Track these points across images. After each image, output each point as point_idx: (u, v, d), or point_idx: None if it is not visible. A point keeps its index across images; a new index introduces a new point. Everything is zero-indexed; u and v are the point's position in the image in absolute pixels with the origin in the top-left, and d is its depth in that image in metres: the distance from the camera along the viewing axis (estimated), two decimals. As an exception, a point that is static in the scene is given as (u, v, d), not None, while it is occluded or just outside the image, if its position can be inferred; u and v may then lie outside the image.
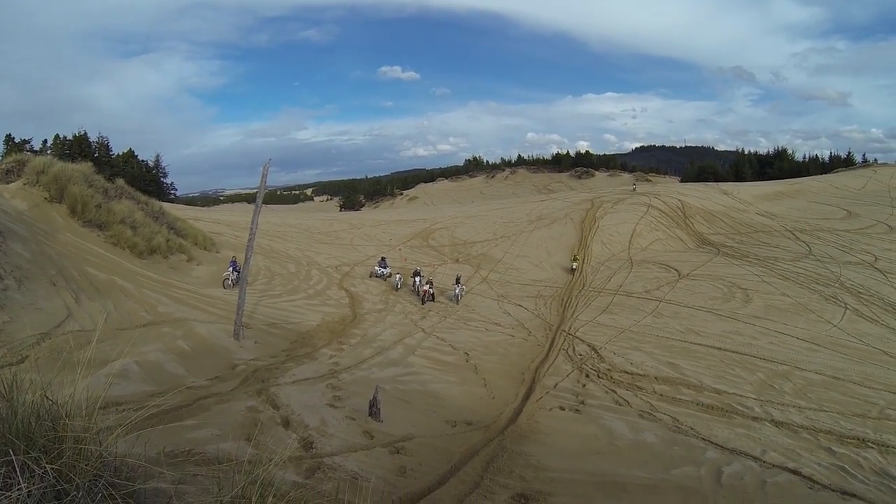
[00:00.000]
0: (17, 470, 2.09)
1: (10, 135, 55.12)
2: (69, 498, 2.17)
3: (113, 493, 2.29)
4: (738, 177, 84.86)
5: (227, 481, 3.05)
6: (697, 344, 16.24)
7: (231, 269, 18.56)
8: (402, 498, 6.62)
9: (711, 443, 9.73)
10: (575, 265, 30.04)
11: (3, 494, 2.03)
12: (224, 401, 8.82)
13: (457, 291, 22.25)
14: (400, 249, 32.73)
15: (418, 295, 21.82)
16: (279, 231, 33.66)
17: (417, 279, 22.70)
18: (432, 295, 21.64)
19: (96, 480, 2.28)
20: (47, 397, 2.59)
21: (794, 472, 8.70)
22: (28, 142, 54.84)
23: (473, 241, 36.50)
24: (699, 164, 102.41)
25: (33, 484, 2.10)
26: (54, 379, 2.69)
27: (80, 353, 8.97)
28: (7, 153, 32.34)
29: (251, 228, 13.58)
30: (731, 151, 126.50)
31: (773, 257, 30.49)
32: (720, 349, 15.68)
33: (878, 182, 55.00)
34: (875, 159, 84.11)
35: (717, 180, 75.23)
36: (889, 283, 23.79)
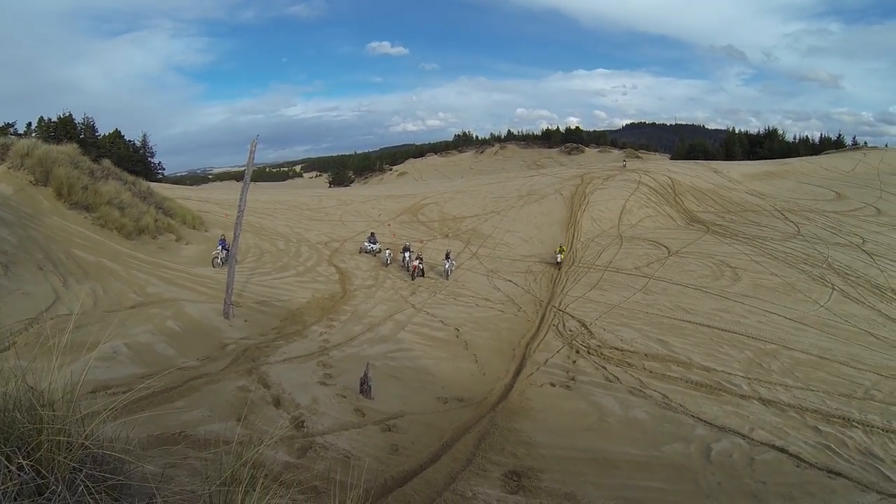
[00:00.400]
0: None
1: None
2: (48, 492, 2.06)
3: (95, 486, 2.17)
4: (729, 156, 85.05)
5: (218, 464, 2.96)
6: (687, 321, 16.36)
7: (220, 247, 18.33)
8: (395, 476, 6.61)
9: (700, 420, 9.83)
10: (560, 258, 26.07)
11: None
12: (214, 381, 8.81)
13: (447, 267, 22.18)
14: (389, 225, 32.52)
15: (408, 270, 21.72)
16: (268, 208, 33.24)
17: (407, 255, 22.57)
18: (422, 270, 21.56)
19: (76, 474, 2.15)
20: (27, 384, 2.44)
21: (782, 450, 8.82)
22: (12, 125, 53.63)
23: (463, 216, 36.35)
24: (689, 142, 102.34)
25: (10, 479, 1.98)
26: (41, 365, 2.52)
27: (68, 337, 8.88)
28: None
29: (239, 206, 13.43)
30: (721, 130, 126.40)
31: (762, 237, 30.70)
32: (709, 327, 15.80)
33: (868, 165, 55.47)
34: (865, 142, 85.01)
35: (707, 158, 75.49)
36: (876, 266, 24.07)
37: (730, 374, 12.26)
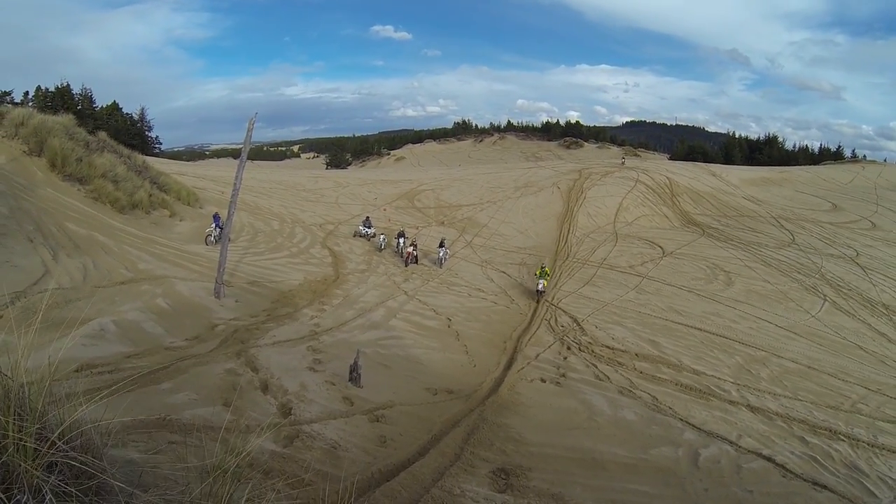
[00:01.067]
0: None
1: None
2: (14, 500, 1.90)
3: (66, 490, 2.01)
4: (728, 159, 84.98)
5: (203, 451, 2.84)
6: (678, 323, 16.38)
7: (214, 225, 18.08)
8: (382, 470, 6.50)
9: (689, 424, 9.84)
10: (542, 284, 19.07)
11: None
12: (202, 363, 8.66)
13: (441, 255, 22.04)
14: (385, 210, 32.28)
15: (402, 257, 21.55)
16: (264, 187, 32.87)
17: (401, 240, 22.42)
18: (416, 257, 21.41)
19: (45, 480, 1.98)
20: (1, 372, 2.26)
21: (769, 459, 8.85)
22: (9, 93, 52.51)
23: (459, 204, 36.16)
24: (689, 144, 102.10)
25: None
26: (24, 341, 2.33)
27: (56, 312, 8.64)
28: None
29: (235, 184, 13.23)
30: (721, 133, 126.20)
31: (757, 243, 30.79)
32: (700, 330, 15.84)
33: (866, 178, 55.64)
34: (864, 156, 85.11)
35: (706, 161, 75.30)
36: (868, 279, 24.20)
37: (719, 378, 12.29)
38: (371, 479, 6.29)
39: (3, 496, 1.89)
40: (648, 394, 11.00)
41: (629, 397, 10.83)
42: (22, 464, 1.94)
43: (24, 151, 15.95)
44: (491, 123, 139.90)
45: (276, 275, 16.09)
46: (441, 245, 22.69)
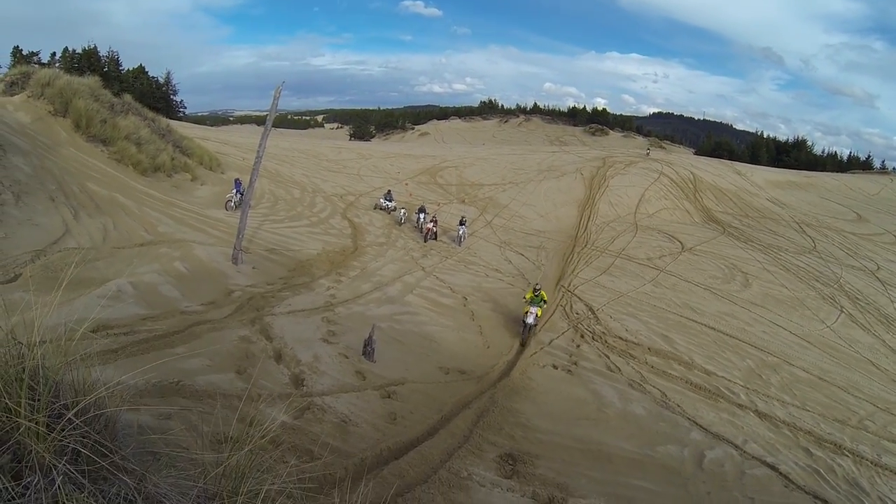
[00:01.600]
0: None
1: (17, 47, 53.06)
2: (25, 481, 1.84)
3: (79, 469, 1.95)
4: (754, 159, 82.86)
5: (216, 418, 2.80)
6: (692, 320, 16.17)
7: (235, 190, 17.92)
8: (392, 448, 6.51)
9: (696, 424, 9.77)
10: (533, 314, 12.98)
11: None
12: (217, 329, 8.61)
13: (460, 233, 21.92)
14: (407, 184, 32.07)
15: (421, 232, 21.47)
16: (287, 155, 32.70)
17: (422, 216, 22.29)
18: (435, 234, 21.32)
19: (57, 459, 1.92)
20: (14, 338, 2.18)
21: (772, 467, 8.76)
22: (36, 54, 52.63)
23: (481, 183, 35.84)
24: (716, 140, 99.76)
25: None
26: (43, 300, 2.26)
27: (75, 271, 8.61)
28: (14, 65, 30.91)
29: (258, 151, 13.06)
30: (749, 132, 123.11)
31: (778, 246, 30.22)
32: (714, 329, 15.64)
33: (893, 191, 54.03)
34: (894, 168, 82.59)
35: (731, 159, 73.66)
36: (887, 294, 23.71)
37: (729, 380, 12.16)
38: (380, 456, 6.30)
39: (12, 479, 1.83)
40: (658, 389, 10.92)
41: (639, 391, 10.75)
42: (33, 445, 1.88)
43: (50, 112, 15.93)
44: (517, 104, 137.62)
45: (295, 243, 16.06)
46: (461, 223, 22.54)
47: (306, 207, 21.78)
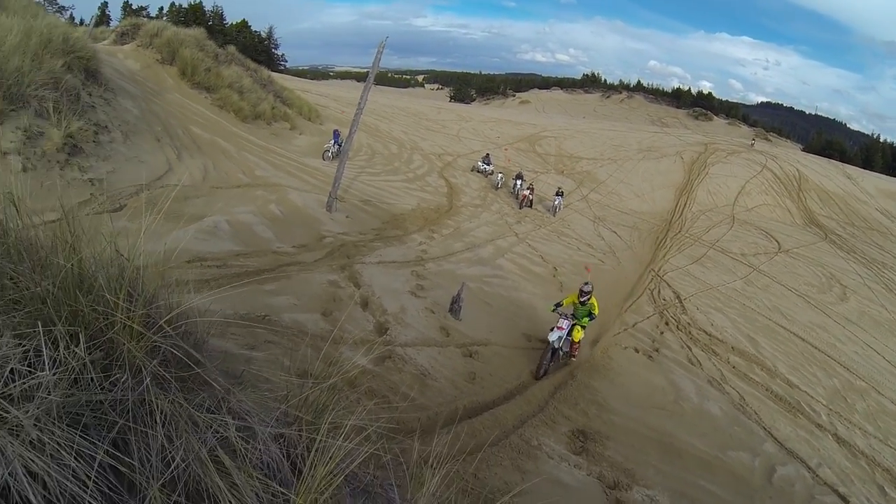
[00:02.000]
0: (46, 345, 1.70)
1: (127, 1, 55.62)
2: (114, 378, 1.81)
3: (167, 374, 1.93)
4: (867, 164, 73.39)
5: (298, 354, 2.79)
6: (781, 326, 14.83)
7: (333, 141, 17.71)
8: (467, 406, 6.40)
9: (772, 435, 8.99)
10: (565, 329, 8.79)
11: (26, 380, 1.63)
12: (306, 271, 8.52)
13: (556, 203, 21.30)
14: (506, 150, 31.34)
15: (517, 198, 21.04)
16: (386, 112, 32.55)
17: (519, 182, 21.82)
18: (531, 201, 20.83)
19: (146, 361, 1.89)
20: (117, 251, 2.15)
21: (844, 498, 7.90)
22: (145, 8, 55.28)
23: (580, 156, 34.44)
24: (826, 138, 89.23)
25: (72, 359, 1.72)
26: (144, 228, 2.21)
27: (176, 206, 8.88)
28: (124, 18, 32.66)
29: (360, 103, 12.69)
30: (864, 134, 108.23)
31: (883, 262, 26.91)
32: (803, 340, 14.27)
33: None
34: None
35: (842, 160, 65.73)
36: None
37: (812, 397, 11.11)
38: (454, 413, 6.17)
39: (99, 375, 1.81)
40: (737, 392, 10.16)
41: (717, 390, 10.05)
42: (126, 343, 1.87)
43: (157, 60, 16.28)
44: (620, 80, 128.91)
45: (390, 197, 15.94)
46: (558, 194, 21.87)
47: (403, 163, 21.69)
